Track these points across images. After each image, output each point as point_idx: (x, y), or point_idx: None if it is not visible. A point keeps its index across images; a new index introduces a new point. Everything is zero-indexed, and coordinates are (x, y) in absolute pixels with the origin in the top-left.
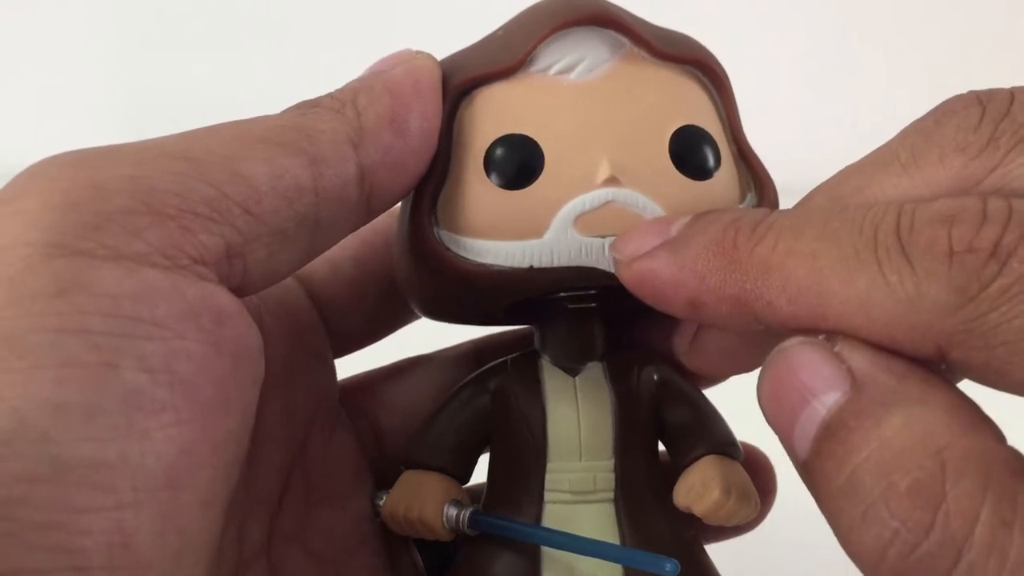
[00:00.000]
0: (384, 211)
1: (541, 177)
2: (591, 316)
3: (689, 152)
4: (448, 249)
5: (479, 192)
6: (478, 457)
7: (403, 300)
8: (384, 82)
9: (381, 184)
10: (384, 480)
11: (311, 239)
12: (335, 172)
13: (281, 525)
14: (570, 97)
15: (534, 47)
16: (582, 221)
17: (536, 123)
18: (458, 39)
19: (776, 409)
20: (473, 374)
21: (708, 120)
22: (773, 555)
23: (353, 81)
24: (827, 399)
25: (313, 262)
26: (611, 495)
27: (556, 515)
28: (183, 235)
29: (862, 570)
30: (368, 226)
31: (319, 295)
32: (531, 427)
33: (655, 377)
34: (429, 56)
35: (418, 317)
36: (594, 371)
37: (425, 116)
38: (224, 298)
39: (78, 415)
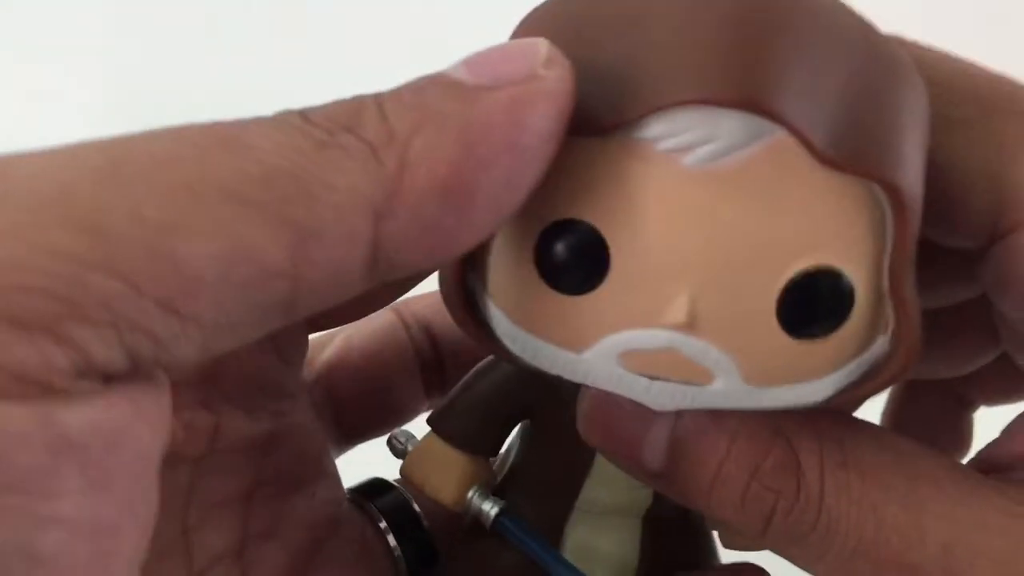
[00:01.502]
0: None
1: (598, 290)
2: None
3: (803, 308)
4: (486, 323)
5: (525, 276)
6: (513, 428)
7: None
8: (466, 117)
9: (405, 264)
10: None
11: (276, 322)
12: (330, 255)
13: (254, 524)
14: (673, 191)
15: (645, 115)
16: (631, 357)
17: (614, 215)
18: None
19: (615, 443)
20: None
21: (857, 254)
22: None
23: (426, 90)
24: (663, 418)
25: None
26: (643, 513)
27: (582, 526)
28: (61, 350)
29: (747, 537)
30: None
31: None
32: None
33: None
34: (563, 73)
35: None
36: None
37: (511, 182)
38: (121, 410)
39: None
